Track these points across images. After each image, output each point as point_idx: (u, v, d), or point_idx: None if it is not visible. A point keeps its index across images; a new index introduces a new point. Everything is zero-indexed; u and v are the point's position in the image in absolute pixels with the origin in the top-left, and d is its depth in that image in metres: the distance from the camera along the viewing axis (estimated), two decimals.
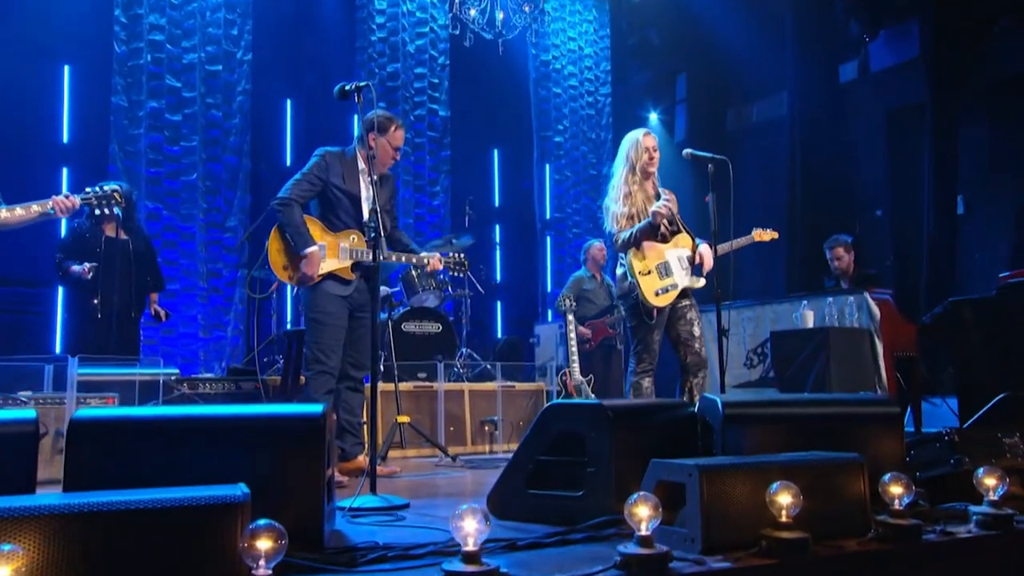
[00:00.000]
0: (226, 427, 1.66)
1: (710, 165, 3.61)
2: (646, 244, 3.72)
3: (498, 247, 8.67)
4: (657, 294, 3.66)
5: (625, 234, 3.72)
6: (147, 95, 6.62)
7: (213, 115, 6.92)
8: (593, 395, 5.10)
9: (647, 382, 3.72)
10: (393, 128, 3.67)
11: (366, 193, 3.62)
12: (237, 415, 1.67)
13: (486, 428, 5.23)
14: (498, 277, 8.62)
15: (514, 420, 5.37)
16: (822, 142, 7.95)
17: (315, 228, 3.59)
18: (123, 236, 4.96)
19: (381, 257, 2.75)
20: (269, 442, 1.65)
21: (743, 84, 8.98)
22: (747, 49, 8.44)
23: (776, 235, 4.49)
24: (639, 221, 3.73)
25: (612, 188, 3.85)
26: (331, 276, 3.57)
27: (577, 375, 5.08)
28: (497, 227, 8.86)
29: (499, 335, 8.39)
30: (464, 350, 6.13)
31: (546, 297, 8.75)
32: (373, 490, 2.60)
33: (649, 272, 3.68)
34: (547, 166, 9.09)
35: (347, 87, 3.10)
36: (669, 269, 3.71)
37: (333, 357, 3.52)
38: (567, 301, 5.31)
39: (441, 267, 3.66)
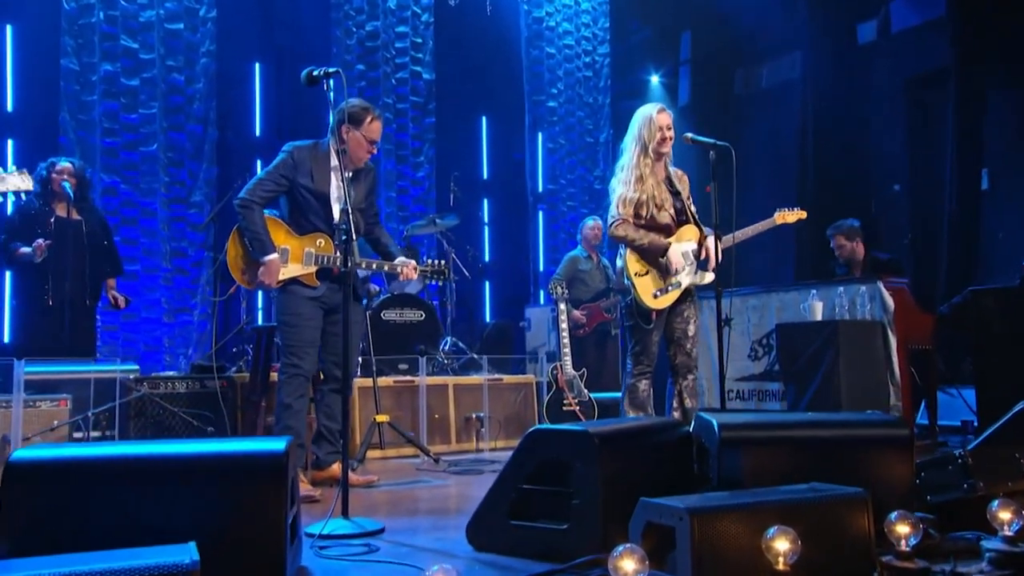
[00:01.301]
0: (179, 468, 1.64)
1: (712, 152, 3.55)
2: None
3: (486, 223, 8.61)
4: (655, 296, 3.63)
5: (628, 231, 3.63)
6: (100, 57, 6.48)
7: (174, 79, 6.79)
8: (586, 390, 5.09)
9: (644, 385, 3.71)
10: (369, 120, 3.57)
11: (337, 193, 3.57)
12: (191, 455, 1.65)
13: (472, 425, 5.24)
14: (486, 256, 8.58)
15: (501, 416, 5.38)
16: (837, 109, 7.87)
17: (280, 230, 3.57)
18: (76, 216, 4.87)
19: (351, 264, 2.70)
20: (226, 484, 1.63)
21: (753, 43, 8.86)
22: (757, 5, 8.32)
23: (804, 215, 4.32)
24: (647, 209, 3.64)
25: (621, 168, 3.75)
26: (295, 281, 3.55)
27: (569, 369, 5.08)
28: (485, 201, 8.79)
29: (487, 319, 8.38)
30: (449, 339, 6.11)
31: (538, 277, 8.72)
32: (345, 512, 2.59)
33: (647, 272, 3.64)
34: (539, 134, 8.99)
35: (315, 72, 3.03)
36: (671, 267, 3.66)
37: (307, 359, 3.50)
38: (559, 288, 5.29)
39: (415, 277, 3.61)
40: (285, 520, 1.65)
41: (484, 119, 8.88)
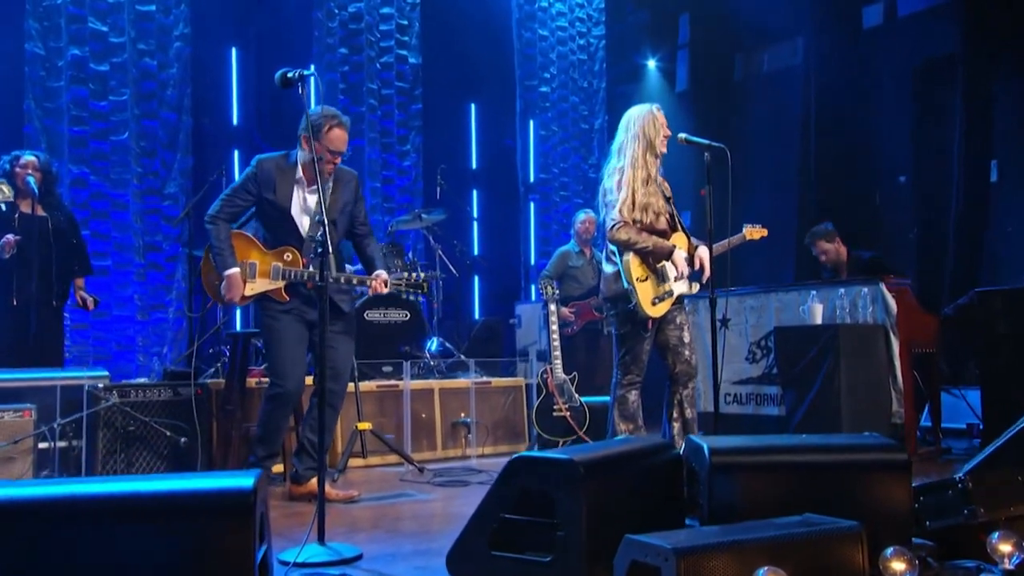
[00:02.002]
0: (142, 508, 1.62)
1: (706, 154, 3.53)
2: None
3: (475, 215, 8.58)
4: (654, 303, 3.62)
5: (631, 235, 3.58)
6: (68, 41, 6.40)
7: (146, 64, 6.71)
8: (577, 395, 5.09)
9: (634, 396, 3.71)
10: (327, 129, 3.52)
11: (301, 205, 3.59)
12: (155, 494, 1.63)
13: (459, 431, 5.24)
14: (475, 249, 8.55)
15: (490, 421, 5.38)
16: (840, 96, 7.86)
17: (251, 246, 3.61)
18: (41, 213, 4.82)
19: (319, 278, 2.67)
20: (192, 524, 1.61)
21: (753, 27, 8.82)
22: None
23: (765, 232, 4.43)
24: (649, 214, 3.61)
25: (620, 169, 3.69)
26: (266, 297, 3.59)
27: (560, 373, 5.08)
28: (474, 192, 8.76)
29: (476, 316, 8.36)
30: (436, 339, 6.10)
31: (529, 271, 8.71)
32: (321, 537, 2.58)
33: (647, 278, 3.62)
34: (531, 121, 8.96)
35: (289, 74, 3.01)
36: (665, 274, 3.66)
37: (289, 378, 3.53)
38: (549, 288, 5.27)
39: (386, 290, 3.59)
40: (253, 561, 1.64)
41: (473, 106, 8.83)
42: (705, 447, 2.21)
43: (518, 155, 8.90)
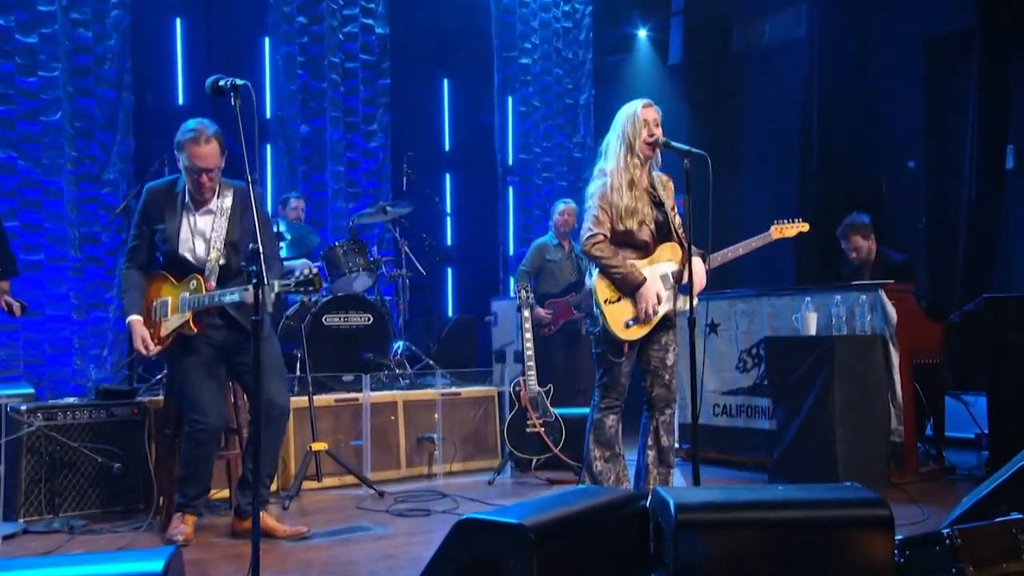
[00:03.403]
0: None
1: (686, 161, 3.48)
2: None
3: (448, 202, 8.53)
4: (627, 326, 3.59)
5: (606, 252, 3.54)
6: None
7: (81, 36, 6.58)
8: (552, 409, 5.09)
9: (611, 420, 3.70)
10: (187, 144, 3.50)
11: (192, 228, 3.62)
12: None
13: (425, 447, 5.23)
14: (448, 240, 8.51)
15: (459, 436, 5.37)
16: (846, 72, 7.85)
17: (163, 283, 3.67)
18: None
19: (255, 312, 2.63)
20: None
21: None
22: None
23: (806, 227, 4.23)
24: (627, 222, 3.56)
25: (603, 172, 3.64)
26: (176, 336, 3.62)
27: (533, 385, 5.07)
28: (447, 177, 8.70)
29: (450, 313, 8.34)
30: (401, 343, 6.07)
31: (508, 261, 8.68)
32: None
33: (619, 299, 3.58)
34: (510, 97, 8.88)
35: (221, 83, 2.97)
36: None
37: (209, 412, 3.56)
38: (524, 291, 5.25)
39: (270, 304, 3.53)
40: None
41: (446, 81, 8.74)
42: (671, 503, 2.20)
43: (496, 134, 8.83)
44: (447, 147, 8.75)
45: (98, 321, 6.60)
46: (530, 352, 5.14)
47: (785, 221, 4.20)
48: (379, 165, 8.08)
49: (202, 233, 3.61)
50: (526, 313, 5.22)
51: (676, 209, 3.80)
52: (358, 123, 8.03)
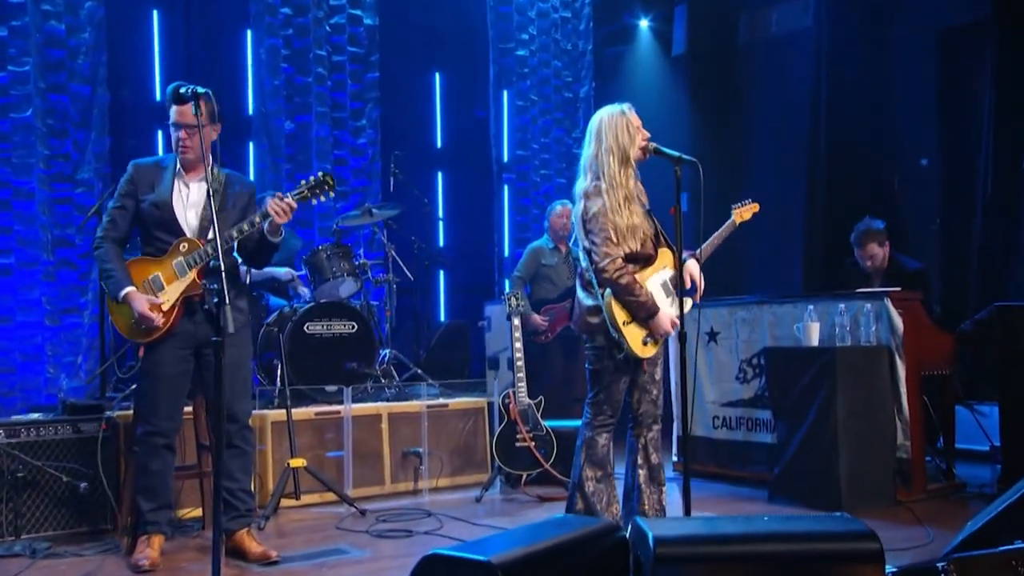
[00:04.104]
0: None
1: (677, 168, 3.46)
2: None
3: (440, 201, 8.51)
4: (645, 343, 3.57)
5: (630, 281, 3.49)
6: None
7: (53, 29, 6.56)
8: (543, 422, 5.08)
9: (604, 439, 3.69)
10: (169, 98, 3.55)
11: (185, 201, 3.69)
12: None
13: (411, 461, 5.22)
14: (440, 241, 8.49)
15: (447, 449, 5.36)
16: (856, 64, 7.80)
17: (146, 265, 3.68)
18: None
19: (216, 334, 2.62)
20: None
21: None
22: None
23: (756, 207, 4.36)
24: (635, 239, 3.53)
25: (596, 191, 3.55)
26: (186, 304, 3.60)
27: (523, 397, 5.06)
28: (439, 174, 8.68)
29: (442, 318, 8.33)
30: (388, 353, 6.06)
31: (503, 263, 8.66)
32: None
33: (632, 320, 3.54)
34: (505, 91, 8.86)
35: (182, 90, 2.98)
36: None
37: (160, 414, 3.56)
38: (513, 299, 5.23)
39: (286, 216, 3.54)
40: None
41: (438, 74, 8.73)
42: (650, 535, 2.19)
43: (491, 129, 8.81)
44: (439, 144, 8.74)
45: (72, 327, 6.59)
46: (520, 363, 5.13)
47: (740, 204, 4.27)
48: (368, 163, 8.06)
49: (195, 204, 3.67)
50: (516, 321, 5.21)
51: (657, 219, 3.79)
52: (346, 119, 8.00)
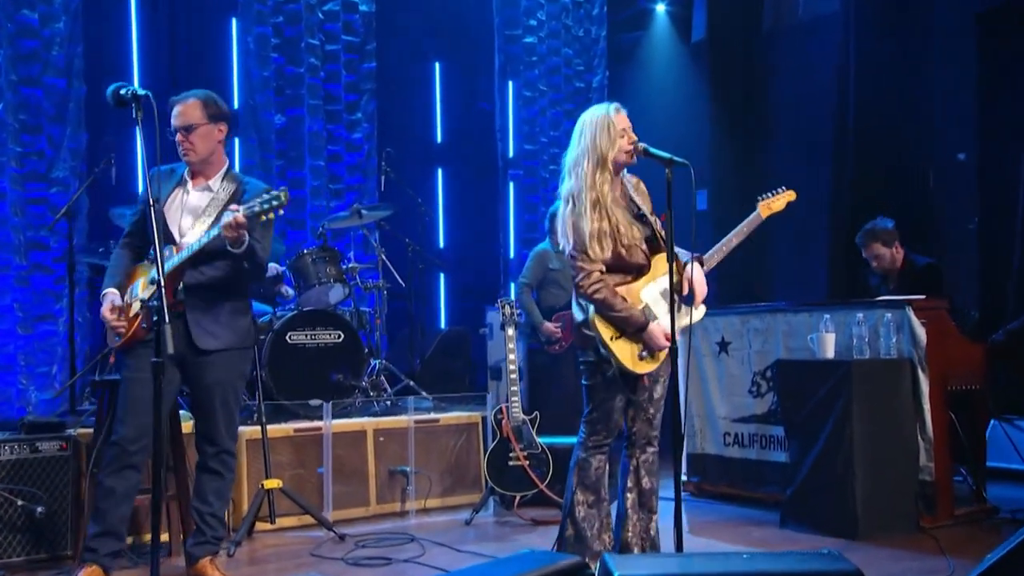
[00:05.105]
0: None
1: (668, 170, 3.40)
2: (620, 290, 3.53)
3: (440, 200, 8.47)
4: (641, 358, 3.52)
5: (608, 296, 3.45)
6: None
7: (25, 18, 6.59)
8: (537, 439, 5.03)
9: (598, 461, 3.64)
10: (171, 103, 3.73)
11: (182, 204, 3.72)
12: None
13: (397, 480, 5.20)
14: (441, 242, 8.46)
15: (438, 468, 5.34)
16: (887, 50, 7.70)
17: (138, 270, 3.75)
18: None
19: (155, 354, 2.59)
20: None
21: None
22: None
23: (792, 195, 4.09)
24: (617, 245, 3.49)
25: (570, 197, 3.54)
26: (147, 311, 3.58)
27: (517, 412, 5.01)
28: (439, 172, 8.65)
29: (442, 324, 8.29)
30: (377, 363, 6.03)
31: (509, 265, 8.63)
32: None
33: (622, 334, 3.51)
34: (512, 81, 8.82)
35: (122, 91, 2.97)
36: (650, 313, 3.54)
37: (128, 425, 3.52)
38: (507, 308, 5.19)
39: (240, 226, 3.42)
40: None
41: (438, 64, 8.70)
42: (615, 575, 2.14)
43: (496, 122, 8.77)
44: (439, 138, 8.70)
45: (46, 335, 6.61)
46: (514, 376, 5.09)
47: (770, 194, 4.07)
48: (364, 158, 8.05)
49: (194, 210, 3.69)
50: (510, 331, 5.17)
51: (653, 212, 3.72)
52: (340, 112, 8.00)
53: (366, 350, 5.89)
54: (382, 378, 6.04)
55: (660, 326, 3.51)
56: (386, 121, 8.00)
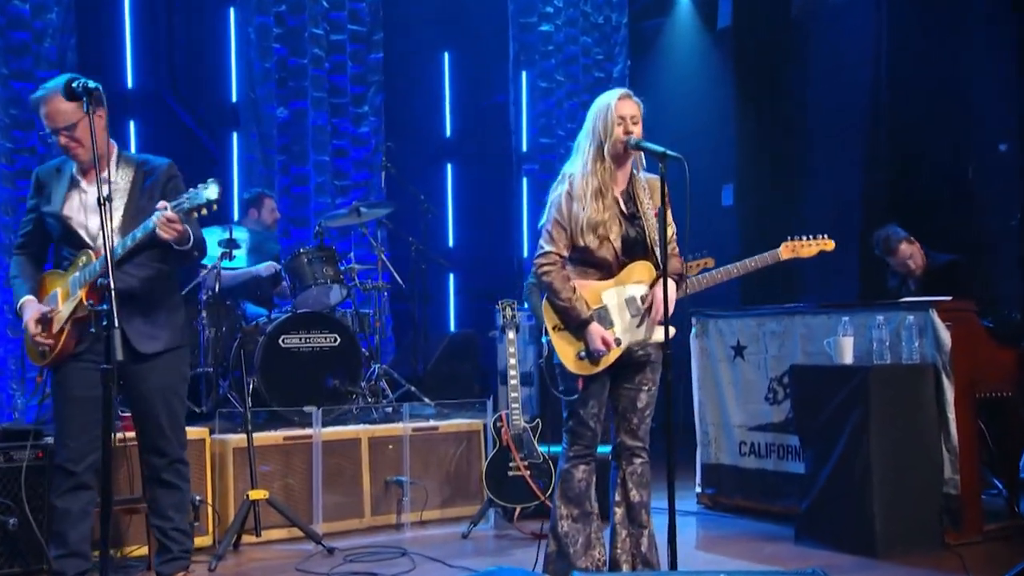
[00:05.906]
0: None
1: (662, 165, 3.34)
2: (577, 282, 3.50)
3: (450, 196, 8.46)
4: (580, 358, 3.47)
5: (555, 280, 3.45)
6: None
7: (16, 9, 6.66)
8: (538, 447, 4.98)
9: (580, 472, 3.58)
10: (38, 106, 3.50)
11: (82, 202, 3.58)
12: None
13: (393, 491, 5.18)
14: (450, 241, 8.44)
15: (435, 479, 5.30)
16: (922, 36, 7.62)
17: (55, 278, 3.64)
18: None
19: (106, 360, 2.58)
20: None
21: None
22: None
23: (830, 245, 4.28)
24: (586, 238, 3.45)
25: (568, 176, 3.54)
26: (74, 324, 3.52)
27: (518, 420, 4.96)
28: (449, 167, 8.63)
29: (452, 327, 8.27)
30: (377, 368, 6.01)
31: (523, 265, 8.59)
32: None
33: (565, 327, 3.48)
34: (526, 71, 8.78)
35: (73, 84, 2.98)
36: (606, 318, 3.49)
37: (70, 441, 3.50)
38: (508, 310, 5.15)
39: (174, 228, 3.32)
40: None
41: (447, 54, 8.68)
42: None
43: (510, 115, 8.74)
44: (449, 133, 8.69)
45: None
46: (515, 381, 5.05)
47: (803, 238, 4.06)
48: (370, 153, 8.06)
49: (91, 206, 3.50)
50: (511, 335, 5.14)
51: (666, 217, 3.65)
52: (346, 105, 8.02)
53: (364, 354, 5.87)
54: (382, 383, 6.02)
55: (600, 329, 3.45)
56: (393, 114, 8.01)
